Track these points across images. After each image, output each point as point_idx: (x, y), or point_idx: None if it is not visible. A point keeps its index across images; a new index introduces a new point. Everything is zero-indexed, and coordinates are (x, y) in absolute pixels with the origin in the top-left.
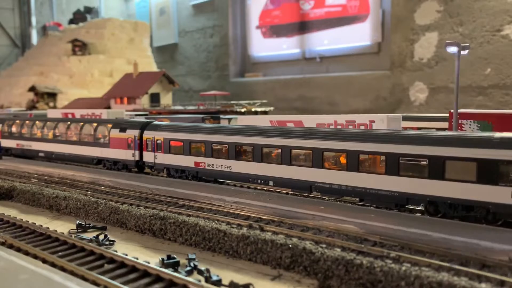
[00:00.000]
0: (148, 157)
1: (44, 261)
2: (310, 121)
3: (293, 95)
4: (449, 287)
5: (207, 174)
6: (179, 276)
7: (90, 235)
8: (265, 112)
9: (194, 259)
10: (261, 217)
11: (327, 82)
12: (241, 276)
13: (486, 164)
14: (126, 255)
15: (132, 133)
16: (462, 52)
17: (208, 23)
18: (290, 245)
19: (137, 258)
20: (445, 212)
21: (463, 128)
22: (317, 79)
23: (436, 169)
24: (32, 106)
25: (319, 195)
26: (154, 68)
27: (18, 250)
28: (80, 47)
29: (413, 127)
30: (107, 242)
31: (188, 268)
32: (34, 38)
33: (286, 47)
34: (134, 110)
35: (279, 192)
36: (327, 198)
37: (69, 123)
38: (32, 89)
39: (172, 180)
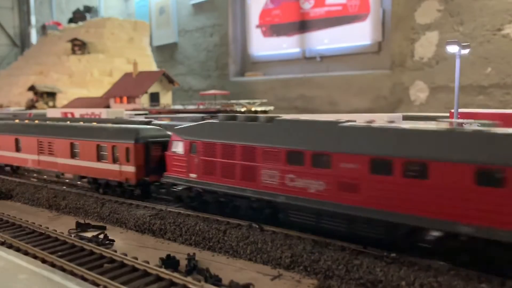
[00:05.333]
0: None
1: (43, 261)
2: None
3: (293, 95)
4: (449, 287)
5: None
6: (179, 276)
7: (89, 234)
8: (265, 112)
9: (194, 258)
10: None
11: (327, 82)
12: (241, 276)
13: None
14: (126, 255)
15: None
16: (463, 52)
17: (208, 22)
18: (290, 245)
19: (136, 258)
20: None
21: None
22: (317, 78)
23: None
24: (31, 106)
25: None
26: (153, 67)
27: (18, 250)
28: (79, 46)
29: None
30: (106, 242)
31: (188, 268)
32: (34, 37)
33: (286, 46)
34: (133, 110)
35: None
36: None
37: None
38: (32, 88)
39: None
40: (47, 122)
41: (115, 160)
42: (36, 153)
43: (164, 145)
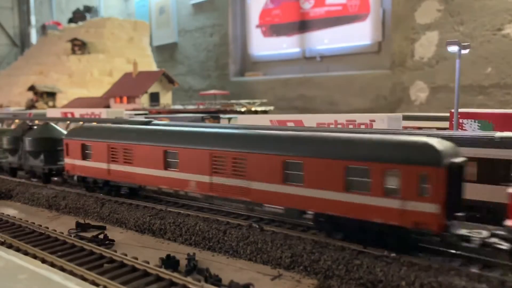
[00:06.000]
0: None
1: (43, 260)
2: (310, 120)
3: (293, 95)
4: (449, 287)
5: None
6: (179, 276)
7: (89, 234)
8: (265, 112)
9: (194, 258)
10: (261, 217)
11: (327, 82)
12: (241, 276)
13: (486, 164)
14: (126, 255)
15: None
16: (463, 51)
17: (208, 22)
18: (290, 245)
19: (136, 258)
20: None
21: (464, 128)
22: (317, 78)
23: None
24: (31, 106)
25: None
26: (153, 67)
27: (17, 249)
28: (79, 46)
29: (414, 127)
30: (106, 242)
31: (188, 268)
32: (34, 37)
33: (286, 46)
34: (133, 110)
35: None
36: None
37: None
38: (32, 88)
39: None
40: (227, 129)
41: (388, 192)
42: (207, 172)
43: (461, 168)
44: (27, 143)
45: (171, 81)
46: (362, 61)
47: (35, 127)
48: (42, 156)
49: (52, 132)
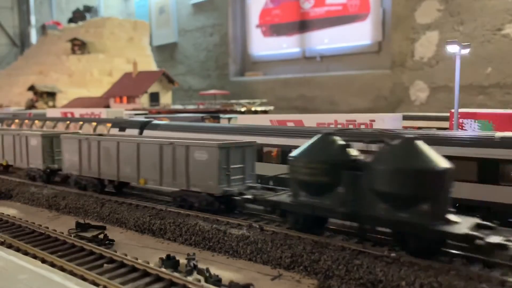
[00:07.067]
0: None
1: (43, 260)
2: (310, 120)
3: (293, 94)
4: (449, 287)
5: None
6: (179, 276)
7: (89, 234)
8: (265, 112)
9: (194, 259)
10: (262, 216)
11: (327, 81)
12: (241, 276)
13: (487, 164)
14: (126, 255)
15: (132, 133)
16: (463, 51)
17: (208, 22)
18: (290, 245)
19: (136, 258)
20: None
21: (464, 128)
22: (318, 78)
23: None
24: (31, 106)
25: None
26: (153, 67)
27: (18, 249)
28: (79, 46)
29: (414, 127)
30: (106, 242)
31: (188, 268)
32: (33, 37)
33: (286, 46)
34: (133, 110)
35: None
36: None
37: None
38: (32, 88)
39: None
40: None
41: None
42: None
43: None
44: (389, 177)
45: (171, 81)
46: (362, 61)
47: (382, 146)
48: (425, 206)
49: (430, 158)
